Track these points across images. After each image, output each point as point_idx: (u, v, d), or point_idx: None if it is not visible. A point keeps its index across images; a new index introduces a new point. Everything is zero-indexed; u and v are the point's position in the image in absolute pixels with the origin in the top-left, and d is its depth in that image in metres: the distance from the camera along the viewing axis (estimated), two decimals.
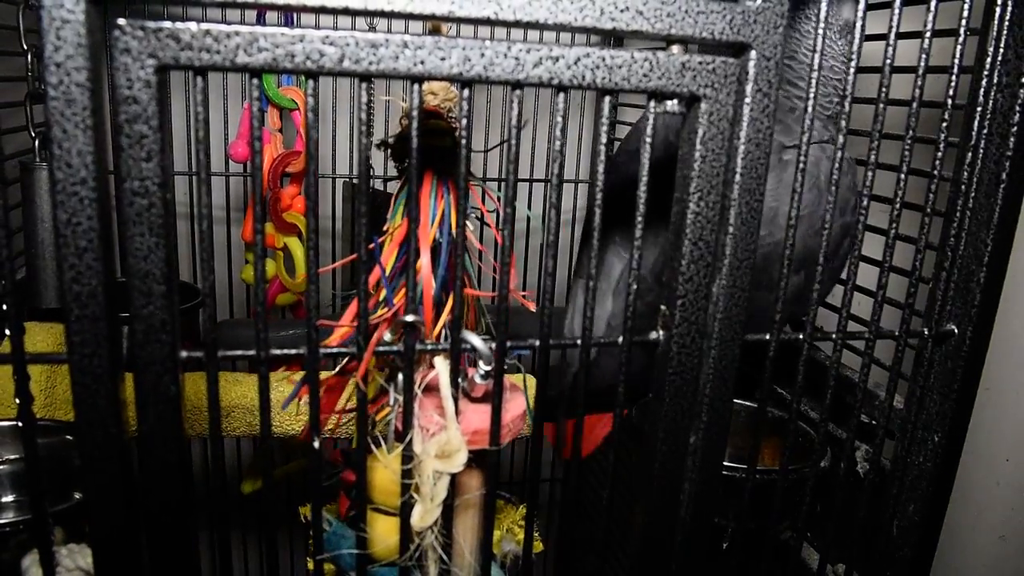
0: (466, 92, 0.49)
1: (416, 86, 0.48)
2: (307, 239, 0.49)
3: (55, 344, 0.95)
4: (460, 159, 0.50)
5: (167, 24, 0.43)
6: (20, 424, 0.60)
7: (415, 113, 0.48)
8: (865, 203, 0.63)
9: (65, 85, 0.44)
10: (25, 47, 0.94)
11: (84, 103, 0.44)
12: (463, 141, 0.49)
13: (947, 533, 0.77)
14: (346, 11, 0.45)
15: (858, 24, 0.59)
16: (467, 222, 0.55)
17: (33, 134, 0.95)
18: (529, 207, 1.59)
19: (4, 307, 0.60)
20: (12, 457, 0.77)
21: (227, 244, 1.49)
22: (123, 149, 0.45)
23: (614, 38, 1.49)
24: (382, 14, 0.46)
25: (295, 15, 1.29)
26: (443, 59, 0.47)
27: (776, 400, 1.09)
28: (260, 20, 1.31)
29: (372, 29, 1.34)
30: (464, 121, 0.49)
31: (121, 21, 0.43)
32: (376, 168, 1.47)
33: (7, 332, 0.94)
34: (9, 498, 0.77)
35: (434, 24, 0.61)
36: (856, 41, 0.59)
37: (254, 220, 0.49)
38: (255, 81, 0.46)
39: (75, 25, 0.43)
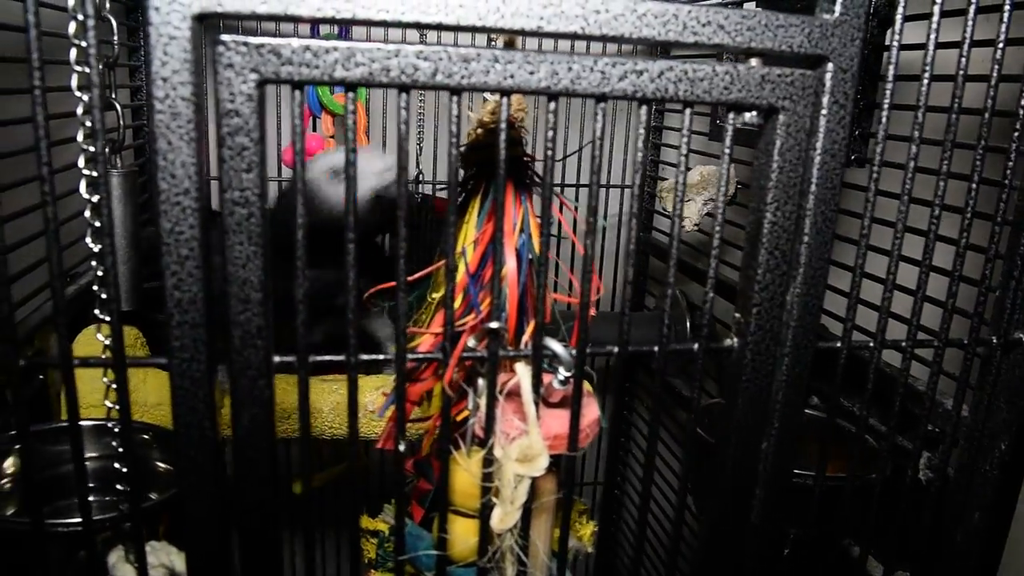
0: (552, 105, 0.50)
1: (505, 99, 0.49)
2: (397, 247, 0.50)
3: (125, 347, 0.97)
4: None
5: (269, 40, 0.45)
6: (115, 425, 0.62)
7: (503, 125, 0.49)
8: (937, 212, 0.63)
9: (171, 99, 0.45)
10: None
11: (188, 116, 0.46)
12: (549, 152, 0.50)
13: (1013, 540, 0.77)
14: (439, 27, 0.47)
15: (932, 34, 0.59)
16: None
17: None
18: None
19: (97, 312, 0.62)
20: (92, 455, 0.79)
21: None
22: (225, 160, 0.46)
23: (660, 48, 1.50)
24: (474, 29, 0.47)
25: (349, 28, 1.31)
26: (532, 73, 0.48)
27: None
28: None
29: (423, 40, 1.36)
30: (551, 133, 0.50)
31: (226, 37, 0.45)
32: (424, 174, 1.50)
33: (87, 331, 0.97)
34: (92, 496, 0.79)
35: (509, 38, 0.62)
36: (930, 49, 0.59)
37: (346, 230, 0.50)
38: (351, 95, 0.48)
39: (181, 41, 0.45)
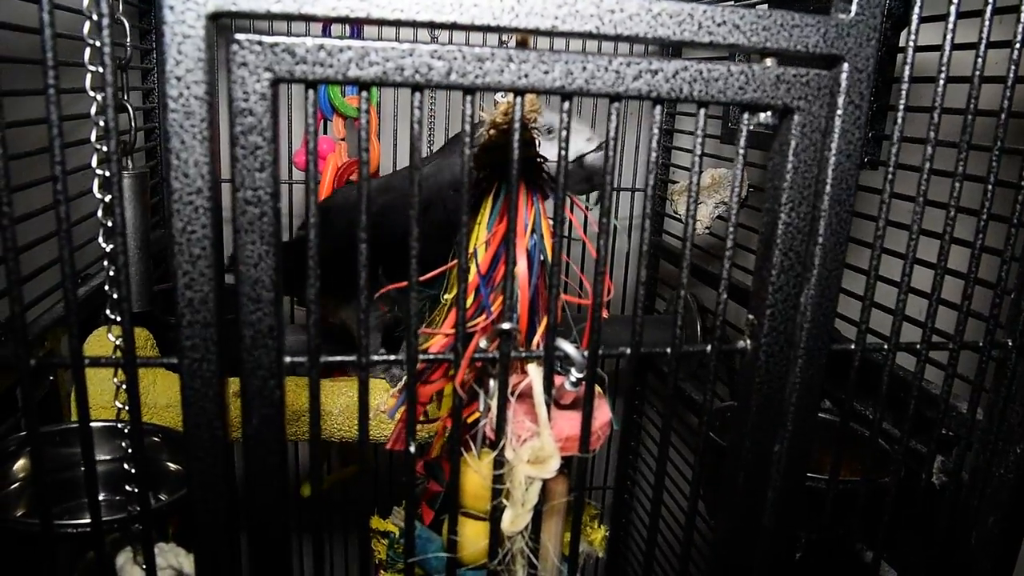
0: (566, 104, 0.50)
1: (519, 98, 0.49)
2: (410, 247, 0.50)
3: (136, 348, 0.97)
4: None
5: (283, 39, 0.45)
6: (125, 426, 0.62)
7: (517, 125, 0.49)
8: (952, 215, 0.62)
9: (185, 98, 0.45)
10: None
11: (202, 115, 0.46)
12: (562, 152, 0.50)
13: None
14: (454, 26, 0.47)
15: (948, 34, 0.59)
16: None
17: None
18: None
19: (108, 312, 0.62)
20: (103, 458, 0.79)
21: None
22: (238, 160, 0.46)
23: (671, 48, 1.50)
24: (489, 29, 0.47)
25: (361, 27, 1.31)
26: (546, 72, 0.48)
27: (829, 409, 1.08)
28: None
29: (435, 40, 1.35)
30: (564, 133, 0.50)
31: (240, 36, 0.45)
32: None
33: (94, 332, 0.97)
34: (100, 497, 0.79)
35: (521, 37, 0.62)
36: (946, 51, 0.59)
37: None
38: (364, 94, 0.47)
39: (195, 40, 0.45)
